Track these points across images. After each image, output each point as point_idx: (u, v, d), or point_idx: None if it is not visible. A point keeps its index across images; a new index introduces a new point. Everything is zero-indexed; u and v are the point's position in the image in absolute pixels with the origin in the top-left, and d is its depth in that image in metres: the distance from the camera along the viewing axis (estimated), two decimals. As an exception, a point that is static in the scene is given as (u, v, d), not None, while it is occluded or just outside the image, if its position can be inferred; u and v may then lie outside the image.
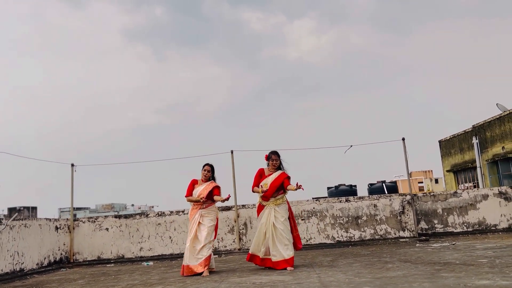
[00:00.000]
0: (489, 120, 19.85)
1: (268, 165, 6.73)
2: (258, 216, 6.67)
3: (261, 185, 6.59)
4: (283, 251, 6.24)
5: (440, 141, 25.08)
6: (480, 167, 20.21)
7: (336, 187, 21.99)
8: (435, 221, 10.16)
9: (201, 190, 6.67)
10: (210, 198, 6.67)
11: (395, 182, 22.76)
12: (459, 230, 10.12)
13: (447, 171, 24.28)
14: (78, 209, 77.28)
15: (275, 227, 6.36)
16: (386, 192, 20.50)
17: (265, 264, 6.44)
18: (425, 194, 10.43)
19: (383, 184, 21.46)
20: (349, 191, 20.98)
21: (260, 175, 6.69)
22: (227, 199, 6.57)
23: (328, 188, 22.43)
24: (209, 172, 6.84)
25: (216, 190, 6.71)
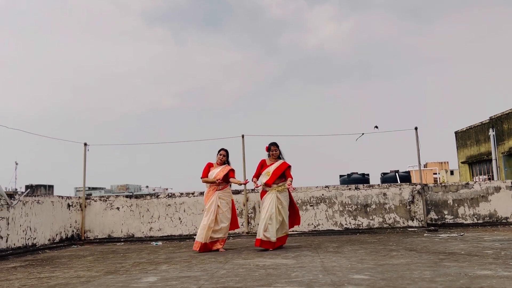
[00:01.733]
0: (507, 112, 19.48)
1: (268, 156, 7.23)
2: (262, 199, 7.13)
3: (264, 174, 7.09)
4: (280, 233, 6.91)
5: (456, 132, 24.74)
6: (496, 160, 19.91)
7: (349, 175, 21.91)
8: (445, 212, 10.09)
9: (217, 172, 7.17)
10: (225, 180, 7.14)
11: (408, 172, 22.56)
12: (469, 221, 10.03)
13: (462, 162, 23.98)
14: (94, 188, 78.58)
15: (278, 213, 6.87)
16: (399, 182, 20.40)
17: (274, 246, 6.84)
18: (436, 184, 10.34)
19: (396, 174, 21.32)
20: (362, 180, 20.89)
21: (262, 166, 7.21)
22: (245, 183, 7.15)
23: (341, 176, 22.37)
24: (225, 157, 7.36)
25: (231, 172, 7.21)
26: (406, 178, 20.80)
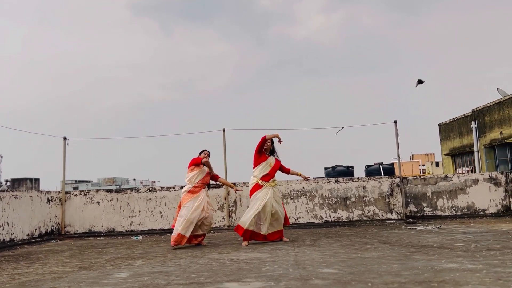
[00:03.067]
0: (488, 104, 19.73)
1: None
2: (251, 194, 6.90)
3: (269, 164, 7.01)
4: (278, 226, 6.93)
5: (439, 125, 24.99)
6: (478, 152, 20.18)
7: (333, 167, 22.06)
8: (424, 204, 10.22)
9: (204, 176, 7.13)
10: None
11: (392, 165, 22.77)
12: (447, 213, 10.19)
13: (445, 154, 24.26)
14: (81, 181, 77.97)
15: (274, 208, 6.81)
16: (383, 174, 20.58)
17: (266, 239, 6.87)
18: (415, 177, 10.46)
19: (380, 166, 21.52)
20: (346, 172, 21.07)
21: (259, 156, 7.05)
22: (235, 190, 7.44)
23: (325, 168, 22.51)
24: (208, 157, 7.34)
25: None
26: (390, 170, 21.01)
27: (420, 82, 9.65)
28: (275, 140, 7.00)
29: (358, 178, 10.04)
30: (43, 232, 9.19)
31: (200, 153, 7.27)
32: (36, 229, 8.94)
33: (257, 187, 6.84)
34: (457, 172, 23.07)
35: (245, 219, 6.72)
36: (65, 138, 9.94)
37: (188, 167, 7.13)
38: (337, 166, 22.18)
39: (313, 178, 10.20)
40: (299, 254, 5.44)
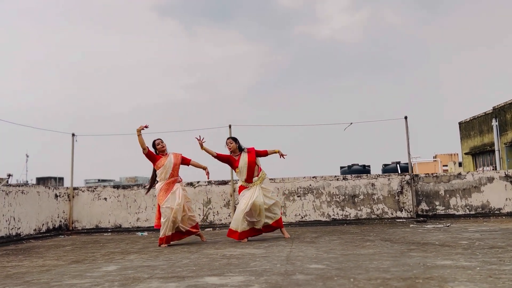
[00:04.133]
0: (510, 102, 19.11)
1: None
2: (239, 194, 6.92)
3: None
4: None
5: (460, 123, 24.37)
6: (499, 150, 19.57)
7: (349, 166, 21.74)
8: (437, 203, 9.93)
9: (173, 168, 6.73)
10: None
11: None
12: (461, 212, 9.87)
13: (466, 153, 23.63)
14: (103, 180, 79.17)
15: (267, 204, 6.66)
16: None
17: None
18: (427, 175, 10.17)
19: (397, 165, 21.12)
20: (362, 171, 20.71)
21: (228, 159, 6.91)
22: (208, 172, 6.83)
23: (341, 167, 22.21)
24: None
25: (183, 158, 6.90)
26: (407, 169, 20.60)
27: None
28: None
29: (367, 175, 9.82)
30: (51, 227, 9.28)
31: (153, 146, 6.86)
32: (43, 224, 9.03)
33: (241, 188, 6.75)
34: (477, 171, 22.43)
35: (236, 223, 6.55)
36: (73, 135, 10.03)
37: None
38: (353, 165, 21.86)
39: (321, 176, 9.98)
40: (294, 250, 5.31)
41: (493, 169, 21.03)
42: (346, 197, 9.69)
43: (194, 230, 6.81)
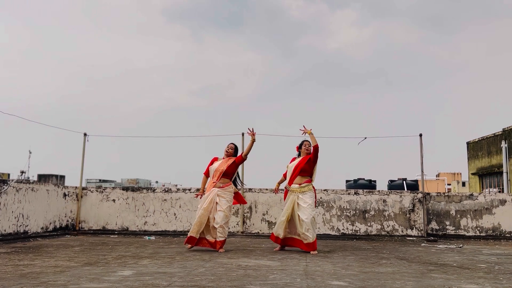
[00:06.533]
0: (520, 124, 19.04)
1: (299, 155, 7.02)
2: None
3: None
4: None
5: (468, 143, 24.29)
6: (507, 173, 19.46)
7: (355, 180, 21.59)
8: (447, 223, 9.82)
9: (220, 164, 6.78)
10: (228, 175, 6.72)
11: (416, 181, 22.17)
12: (471, 234, 9.75)
13: (472, 174, 23.52)
14: (104, 181, 79.17)
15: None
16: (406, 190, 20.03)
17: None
18: (439, 194, 10.06)
19: (404, 182, 20.98)
20: (368, 186, 20.56)
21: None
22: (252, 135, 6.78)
23: (347, 181, 22.08)
24: (232, 149, 6.94)
25: (237, 159, 6.86)
26: (413, 186, 20.41)
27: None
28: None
29: (379, 191, 9.72)
30: (58, 226, 9.21)
31: (227, 145, 7.06)
32: (50, 222, 8.95)
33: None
34: (486, 192, 22.29)
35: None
36: (85, 134, 9.98)
37: None
38: (359, 179, 21.71)
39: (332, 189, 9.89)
40: (310, 264, 5.22)
41: (499, 191, 20.88)
42: (357, 212, 9.59)
43: (212, 245, 6.60)
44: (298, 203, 6.61)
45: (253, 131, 6.75)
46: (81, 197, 9.85)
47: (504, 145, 19.68)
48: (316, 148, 6.65)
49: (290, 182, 6.78)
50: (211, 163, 6.91)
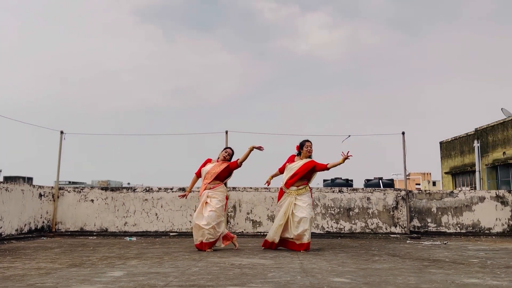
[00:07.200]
0: (492, 124, 19.53)
1: (298, 154, 6.80)
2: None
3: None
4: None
5: (441, 143, 24.77)
6: (479, 171, 19.93)
7: (332, 180, 21.72)
8: (429, 220, 9.91)
9: (210, 168, 6.56)
10: (220, 179, 6.56)
11: (392, 180, 22.49)
12: (452, 230, 9.87)
13: (446, 173, 24.00)
14: (74, 183, 77.24)
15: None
16: (382, 189, 20.26)
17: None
18: (420, 191, 10.15)
19: (380, 181, 21.23)
20: (345, 185, 20.74)
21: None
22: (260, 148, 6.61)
23: (324, 180, 22.19)
24: (230, 156, 6.75)
25: (229, 166, 6.64)
26: (389, 186, 20.68)
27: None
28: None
29: (363, 189, 9.73)
30: (33, 228, 8.81)
31: (224, 149, 6.87)
32: (25, 224, 8.56)
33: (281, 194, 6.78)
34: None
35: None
36: (62, 132, 9.60)
37: None
38: (336, 178, 21.85)
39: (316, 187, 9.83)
40: (305, 262, 5.11)
41: (471, 190, 21.37)
42: (341, 210, 9.56)
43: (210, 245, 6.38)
44: (295, 204, 6.42)
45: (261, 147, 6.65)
46: (58, 197, 9.46)
47: (476, 144, 20.14)
48: (327, 169, 6.58)
49: (288, 184, 6.57)
50: (204, 164, 6.71)
